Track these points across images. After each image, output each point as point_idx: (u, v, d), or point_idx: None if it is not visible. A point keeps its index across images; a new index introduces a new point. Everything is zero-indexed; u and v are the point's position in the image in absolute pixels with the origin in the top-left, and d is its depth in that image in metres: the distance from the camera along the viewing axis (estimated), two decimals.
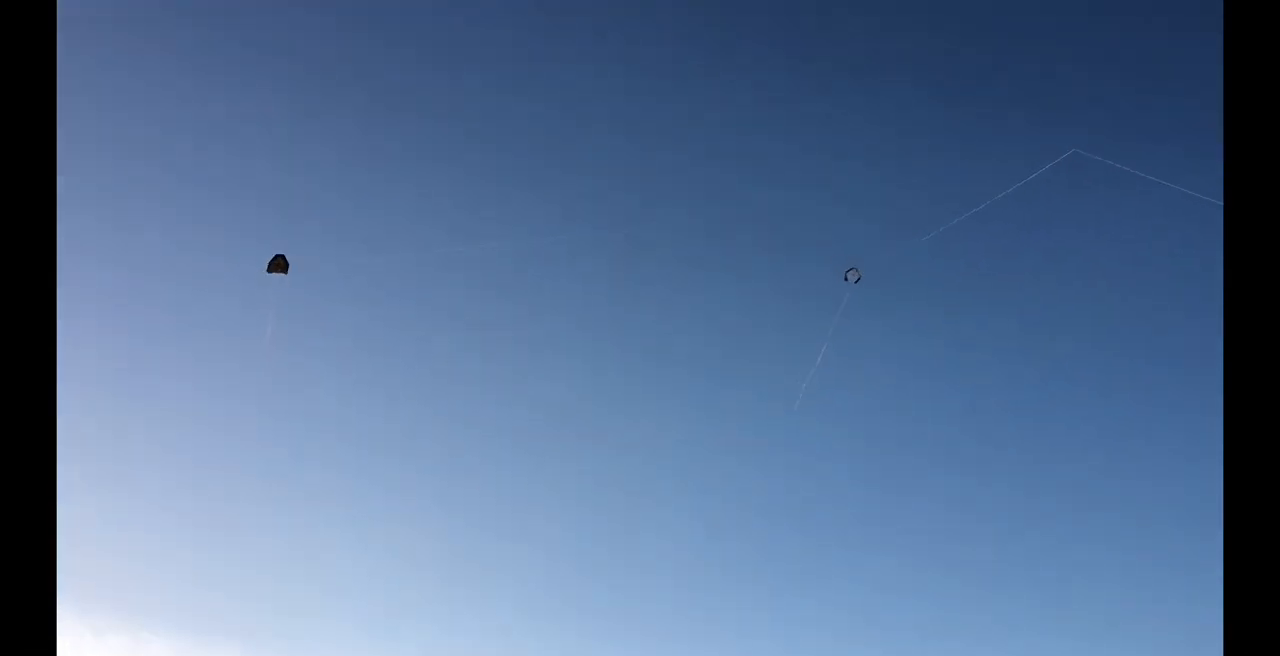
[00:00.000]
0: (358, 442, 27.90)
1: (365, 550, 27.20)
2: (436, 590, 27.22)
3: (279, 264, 20.88)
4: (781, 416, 26.28)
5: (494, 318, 28.34)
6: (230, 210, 27.16)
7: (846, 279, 22.27)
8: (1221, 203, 10.60)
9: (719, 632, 26.61)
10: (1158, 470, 26.59)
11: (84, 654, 24.66)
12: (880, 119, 28.88)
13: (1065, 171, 20.56)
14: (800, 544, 27.76)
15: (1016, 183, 21.36)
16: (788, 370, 25.17)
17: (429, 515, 27.73)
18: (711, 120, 29.07)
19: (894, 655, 26.12)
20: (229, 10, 27.50)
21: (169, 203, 27.11)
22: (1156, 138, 26.86)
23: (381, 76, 28.19)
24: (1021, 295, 28.47)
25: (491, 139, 28.28)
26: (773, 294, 28.52)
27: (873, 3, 29.44)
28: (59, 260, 10.17)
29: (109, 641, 24.86)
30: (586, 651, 26.56)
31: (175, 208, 27.08)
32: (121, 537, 26.24)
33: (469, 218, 28.17)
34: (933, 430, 28.22)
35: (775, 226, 28.39)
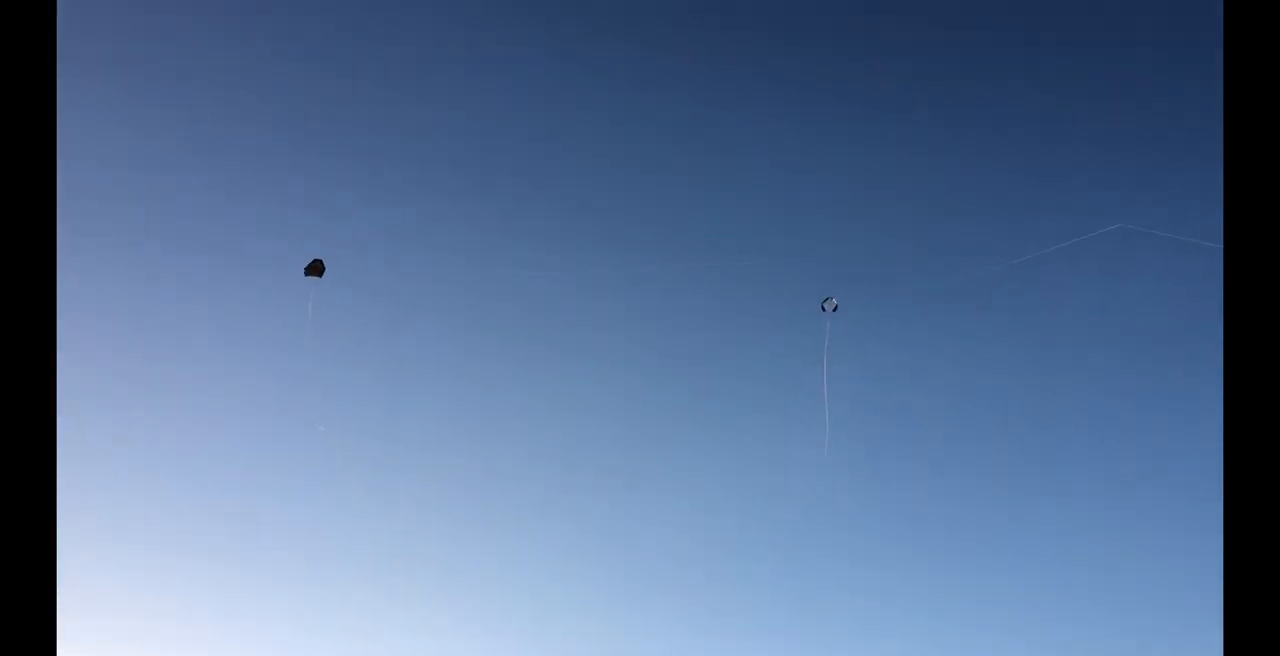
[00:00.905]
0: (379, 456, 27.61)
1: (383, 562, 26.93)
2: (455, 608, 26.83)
3: (315, 268, 21.40)
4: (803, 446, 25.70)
5: (521, 344, 27.84)
6: (257, 217, 27.12)
7: (824, 309, 22.06)
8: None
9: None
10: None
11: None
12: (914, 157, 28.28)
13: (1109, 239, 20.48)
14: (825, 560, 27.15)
15: (1059, 242, 21.41)
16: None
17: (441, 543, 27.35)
18: (745, 157, 28.75)
19: None
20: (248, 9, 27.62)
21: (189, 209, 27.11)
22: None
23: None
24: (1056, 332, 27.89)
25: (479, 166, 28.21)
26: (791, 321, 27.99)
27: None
28: (68, 255, 10.23)
29: None
30: None
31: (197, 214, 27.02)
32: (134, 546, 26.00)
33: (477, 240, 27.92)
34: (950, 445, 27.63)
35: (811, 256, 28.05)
